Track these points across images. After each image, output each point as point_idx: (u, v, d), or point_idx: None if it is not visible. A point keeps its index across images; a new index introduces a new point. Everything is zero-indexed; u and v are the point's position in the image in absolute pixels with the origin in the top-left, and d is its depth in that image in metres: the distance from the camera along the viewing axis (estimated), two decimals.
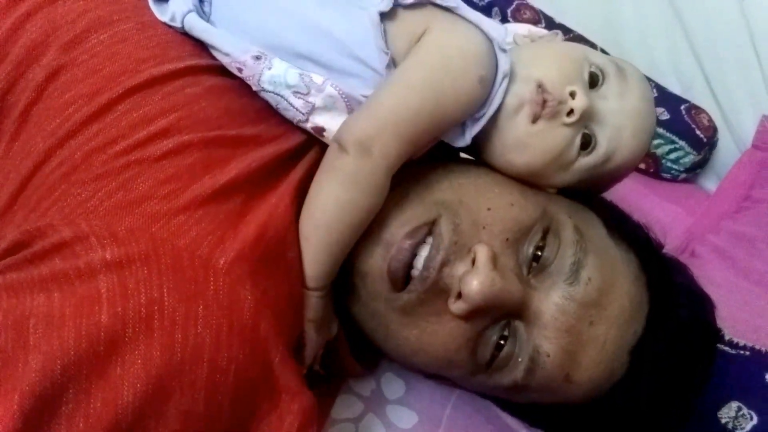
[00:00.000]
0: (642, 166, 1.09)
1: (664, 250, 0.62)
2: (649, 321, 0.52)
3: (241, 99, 0.51)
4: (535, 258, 0.50)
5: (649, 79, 1.06)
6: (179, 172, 0.44)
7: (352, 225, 0.48)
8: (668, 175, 1.07)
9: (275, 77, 0.50)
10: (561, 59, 0.52)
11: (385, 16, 0.49)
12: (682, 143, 1.04)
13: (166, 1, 0.53)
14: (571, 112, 0.49)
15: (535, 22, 1.09)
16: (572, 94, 0.49)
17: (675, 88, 1.12)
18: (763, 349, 0.62)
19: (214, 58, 0.53)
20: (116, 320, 0.37)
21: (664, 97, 1.08)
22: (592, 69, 0.52)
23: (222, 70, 0.52)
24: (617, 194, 1.04)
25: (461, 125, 0.51)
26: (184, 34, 0.53)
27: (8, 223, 0.45)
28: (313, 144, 0.53)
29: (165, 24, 0.53)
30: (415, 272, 0.49)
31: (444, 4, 0.50)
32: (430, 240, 0.50)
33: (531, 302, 0.49)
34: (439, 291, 0.49)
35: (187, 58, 0.51)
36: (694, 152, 1.04)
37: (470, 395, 0.60)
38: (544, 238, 0.51)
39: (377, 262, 0.50)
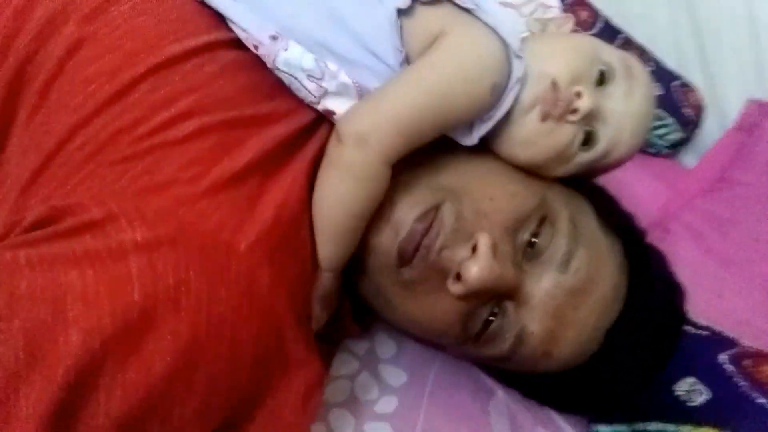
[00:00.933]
0: None
1: (643, 228, 0.67)
2: (626, 305, 0.57)
3: (257, 74, 0.53)
4: (530, 244, 0.54)
5: (646, 52, 1.10)
6: (201, 155, 0.46)
7: (354, 215, 0.50)
8: (652, 150, 1.11)
9: (291, 59, 0.51)
10: (573, 56, 0.53)
11: (402, 12, 0.50)
12: (670, 120, 1.08)
13: None
14: (575, 111, 0.52)
15: None
16: (578, 94, 0.52)
17: (670, 61, 1.15)
18: (721, 330, 0.69)
19: (231, 30, 0.53)
20: (147, 299, 0.40)
21: (660, 72, 1.11)
22: (602, 67, 0.54)
23: (239, 44, 0.53)
24: None
25: (469, 124, 0.53)
26: (203, 3, 0.53)
27: (32, 196, 0.46)
28: (325, 119, 0.55)
29: None
30: (426, 242, 0.52)
31: (463, 4, 0.51)
32: (435, 221, 0.53)
33: (523, 285, 0.53)
34: (438, 270, 0.53)
35: (204, 33, 0.51)
36: (681, 130, 1.08)
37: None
38: (540, 225, 0.54)
39: (386, 240, 0.53)
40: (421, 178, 0.55)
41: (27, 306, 0.38)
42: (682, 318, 0.62)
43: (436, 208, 0.53)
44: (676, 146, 1.11)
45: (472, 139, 0.54)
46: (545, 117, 0.52)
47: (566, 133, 0.53)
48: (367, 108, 0.49)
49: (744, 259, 0.83)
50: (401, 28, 0.51)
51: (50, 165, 0.46)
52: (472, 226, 0.53)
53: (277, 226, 0.48)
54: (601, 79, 0.54)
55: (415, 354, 0.66)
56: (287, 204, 0.49)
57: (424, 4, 0.50)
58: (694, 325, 0.69)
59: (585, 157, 0.55)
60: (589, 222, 0.59)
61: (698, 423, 0.57)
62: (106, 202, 0.42)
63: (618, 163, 0.59)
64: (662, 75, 1.11)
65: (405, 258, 0.53)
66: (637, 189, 1.05)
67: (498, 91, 0.51)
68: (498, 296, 0.54)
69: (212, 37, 0.51)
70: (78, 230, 0.41)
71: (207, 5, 0.53)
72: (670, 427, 0.59)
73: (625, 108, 0.54)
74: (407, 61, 0.51)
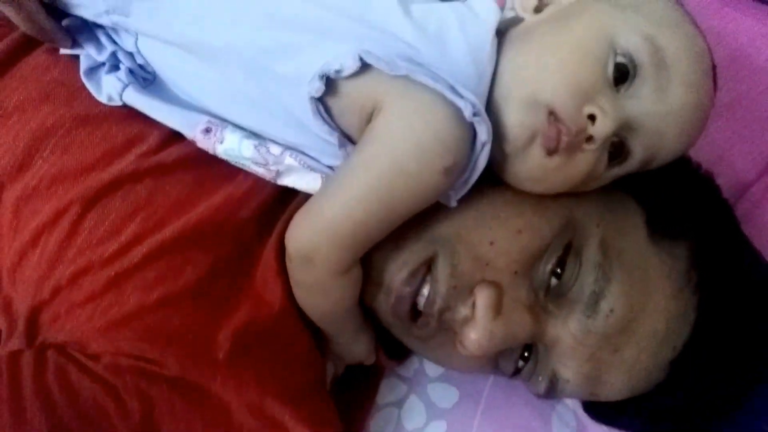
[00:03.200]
0: None
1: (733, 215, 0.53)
2: (696, 329, 0.47)
3: (205, 163, 0.49)
4: (557, 274, 0.46)
5: None
6: (161, 274, 0.46)
7: (333, 315, 0.48)
8: None
9: (229, 150, 0.47)
10: (574, 63, 0.40)
11: (321, 96, 0.41)
12: None
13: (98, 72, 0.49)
14: (590, 138, 0.40)
15: None
16: (591, 117, 0.40)
17: None
18: None
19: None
20: None
21: None
22: (619, 59, 0.40)
23: (179, 134, 0.49)
24: (729, 46, 0.83)
25: None
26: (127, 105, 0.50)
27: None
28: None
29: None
30: (420, 307, 0.48)
31: (396, 72, 0.40)
32: (429, 279, 0.48)
33: (547, 329, 0.47)
34: (447, 329, 0.48)
35: (138, 142, 0.48)
36: None
37: None
38: (566, 253, 0.46)
39: (381, 305, 0.50)
40: (410, 231, 0.48)
41: None
42: None
43: (428, 264, 0.47)
44: None
45: (450, 203, 0.45)
46: (551, 153, 0.41)
47: (584, 162, 0.42)
48: (306, 222, 0.44)
49: None
50: (328, 109, 0.42)
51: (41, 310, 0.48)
52: (472, 278, 0.46)
53: (252, 324, 0.47)
54: (622, 76, 0.41)
55: None
56: (262, 298, 0.48)
57: (346, 78, 0.40)
58: None
59: (620, 170, 0.44)
60: (633, 238, 0.48)
61: None
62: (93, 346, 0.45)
63: (669, 161, 0.45)
64: None
65: (402, 319, 0.49)
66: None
67: (456, 171, 0.42)
68: (522, 344, 0.48)
69: (146, 146, 0.48)
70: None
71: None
72: None
73: (661, 107, 0.41)
74: (348, 138, 0.44)
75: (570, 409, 0.62)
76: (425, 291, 0.47)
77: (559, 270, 0.46)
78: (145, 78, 0.49)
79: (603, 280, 0.45)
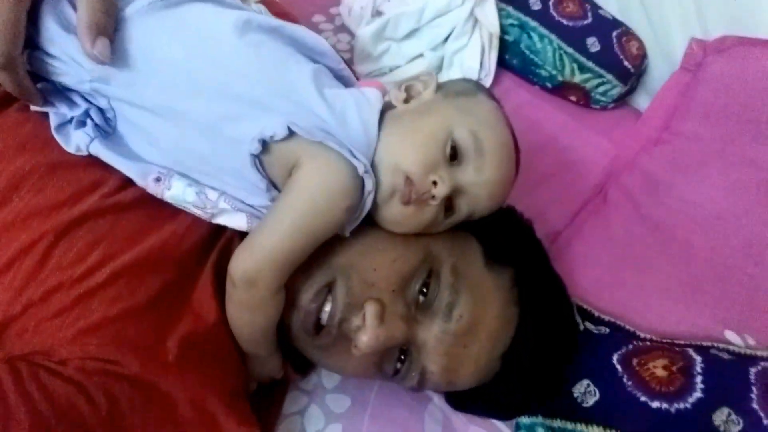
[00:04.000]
0: (573, 98, 1.13)
1: (540, 245, 0.73)
2: (518, 330, 0.65)
3: (154, 204, 0.60)
4: (423, 292, 0.62)
5: (587, 1, 1.07)
6: (121, 292, 0.56)
7: (264, 330, 0.61)
8: (598, 106, 1.12)
9: (175, 196, 0.59)
10: (424, 146, 0.58)
11: (260, 152, 0.56)
12: (609, 77, 1.07)
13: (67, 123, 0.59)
14: (433, 197, 0.58)
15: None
16: (434, 183, 0.57)
17: (612, 8, 1.11)
18: (621, 323, 0.76)
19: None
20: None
21: (599, 23, 1.09)
22: (454, 144, 0.59)
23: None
24: (545, 134, 1.11)
25: None
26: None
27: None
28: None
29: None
30: (323, 322, 0.62)
31: (313, 138, 0.55)
32: (330, 298, 0.62)
33: (417, 334, 0.62)
34: (344, 337, 0.62)
35: (101, 184, 0.58)
36: (621, 84, 1.08)
37: None
38: (429, 276, 0.62)
39: (295, 322, 0.63)
40: (315, 262, 0.62)
41: None
42: (574, 328, 0.70)
43: (329, 286, 0.61)
44: (621, 99, 1.11)
45: (344, 233, 0.61)
46: (406, 203, 0.58)
47: (429, 212, 0.59)
48: (248, 253, 0.56)
49: (670, 225, 0.87)
50: (261, 163, 0.57)
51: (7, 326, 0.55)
52: (362, 296, 0.61)
53: (193, 334, 0.58)
54: (454, 155, 0.59)
55: (357, 380, 0.77)
56: (200, 314, 0.59)
57: (277, 141, 0.55)
58: (597, 321, 0.76)
59: (452, 219, 0.62)
60: (474, 264, 0.65)
61: (589, 422, 0.67)
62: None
63: (490, 211, 0.65)
64: (601, 25, 1.08)
65: (310, 331, 0.62)
66: (584, 152, 1.08)
67: (353, 209, 0.58)
68: (400, 345, 0.63)
69: (107, 188, 0.58)
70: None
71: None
72: (569, 425, 0.69)
73: (478, 180, 0.60)
74: (274, 186, 0.58)
75: (438, 407, 0.78)
76: (327, 308, 0.61)
77: (425, 289, 0.62)
78: (107, 132, 0.59)
79: (455, 294, 0.60)
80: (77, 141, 0.58)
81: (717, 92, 0.94)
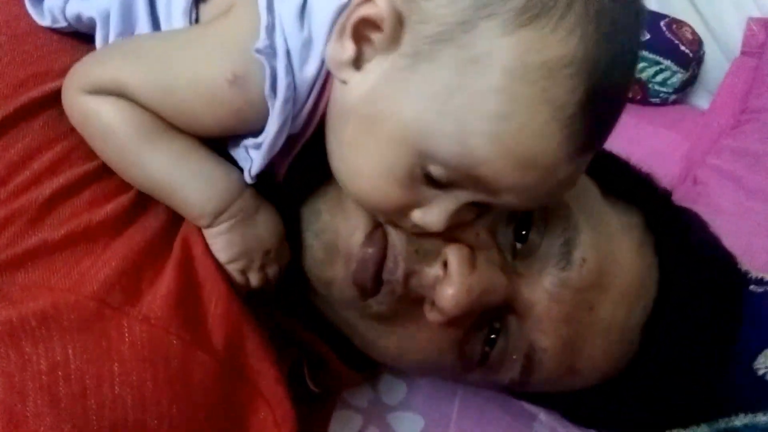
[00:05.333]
0: (629, 95, 1.01)
1: (666, 189, 0.56)
2: (661, 288, 0.46)
3: None
4: (520, 238, 0.43)
5: None
6: (76, 210, 0.38)
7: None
8: (657, 100, 1.00)
9: None
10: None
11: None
12: (667, 63, 0.97)
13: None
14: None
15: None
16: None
17: (651, 3, 1.04)
18: None
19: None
20: (12, 394, 0.32)
21: None
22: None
23: None
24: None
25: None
26: (75, 33, 0.45)
27: None
28: None
29: (49, 28, 0.44)
30: (386, 276, 0.42)
31: None
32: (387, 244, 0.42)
33: (520, 293, 0.42)
34: (410, 300, 0.42)
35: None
36: (682, 70, 0.97)
37: None
38: (528, 214, 0.43)
39: (340, 272, 0.43)
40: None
41: None
42: (739, 282, 0.50)
43: (381, 226, 0.42)
44: (683, 88, 1.00)
45: (248, 178, 0.40)
46: None
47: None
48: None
49: None
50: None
51: None
52: (434, 241, 0.41)
53: (180, 280, 0.39)
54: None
55: (430, 391, 0.55)
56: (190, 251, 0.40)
57: None
58: (759, 281, 0.56)
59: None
60: (591, 196, 0.48)
61: None
62: None
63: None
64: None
65: (364, 288, 0.42)
66: (652, 144, 0.94)
67: (241, 88, 0.37)
68: (494, 311, 0.43)
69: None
70: None
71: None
72: (762, 417, 0.46)
73: None
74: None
75: (547, 426, 0.54)
76: (388, 262, 0.42)
77: (523, 232, 0.43)
78: None
79: (572, 230, 0.43)
80: (50, 3, 0.44)
81: None
